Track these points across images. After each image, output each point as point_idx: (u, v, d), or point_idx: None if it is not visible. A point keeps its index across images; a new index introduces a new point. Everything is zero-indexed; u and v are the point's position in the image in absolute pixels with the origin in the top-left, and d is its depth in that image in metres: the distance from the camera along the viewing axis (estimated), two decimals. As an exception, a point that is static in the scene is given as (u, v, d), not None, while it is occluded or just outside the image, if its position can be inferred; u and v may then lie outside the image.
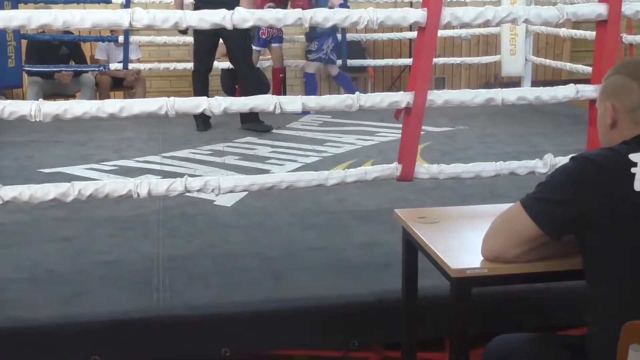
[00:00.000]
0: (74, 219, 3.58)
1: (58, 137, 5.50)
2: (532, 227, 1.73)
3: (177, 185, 2.87)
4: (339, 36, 6.72)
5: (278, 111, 2.93)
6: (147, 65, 6.82)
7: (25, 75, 6.59)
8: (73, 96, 6.95)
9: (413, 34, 6.36)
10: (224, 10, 2.81)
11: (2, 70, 5.86)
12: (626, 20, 5.62)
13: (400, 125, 3.15)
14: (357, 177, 3.08)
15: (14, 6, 5.73)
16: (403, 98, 3.02)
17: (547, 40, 8.62)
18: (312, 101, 3.08)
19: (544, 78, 8.53)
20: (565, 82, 3.33)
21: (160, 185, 2.87)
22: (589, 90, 3.20)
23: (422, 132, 3.23)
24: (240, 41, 5.58)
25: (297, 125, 6.01)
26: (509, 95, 3.15)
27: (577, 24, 7.24)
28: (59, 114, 2.75)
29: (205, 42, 5.66)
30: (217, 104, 2.89)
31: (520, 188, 1.97)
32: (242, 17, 2.82)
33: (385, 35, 7.17)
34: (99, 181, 2.92)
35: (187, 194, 2.99)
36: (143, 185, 2.84)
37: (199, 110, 2.89)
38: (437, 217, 2.17)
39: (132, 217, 3.61)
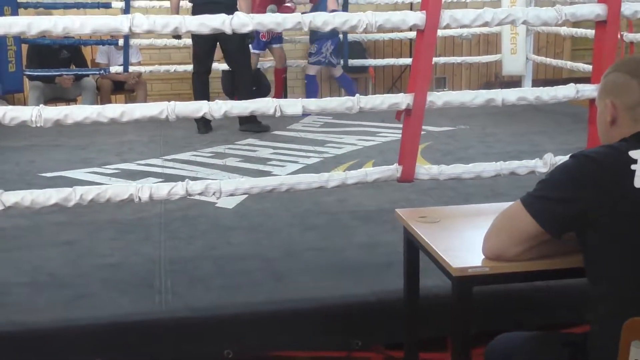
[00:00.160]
0: (75, 222, 3.58)
1: (59, 141, 5.51)
2: (533, 225, 1.73)
3: (179, 189, 2.88)
4: (341, 37, 6.72)
5: (278, 114, 2.94)
6: (148, 68, 6.83)
7: (26, 80, 6.60)
8: (74, 100, 6.97)
9: (414, 34, 6.35)
10: (223, 15, 2.81)
11: (3, 75, 5.87)
12: (626, 19, 5.62)
13: (402, 125, 3.15)
14: (358, 178, 3.08)
15: (14, 11, 5.74)
16: (403, 100, 3.02)
17: (547, 39, 8.61)
18: (313, 104, 3.08)
19: (545, 77, 8.53)
20: (566, 81, 3.34)
21: (161, 189, 2.88)
22: (588, 90, 3.20)
23: (423, 132, 3.24)
24: (238, 43, 5.58)
25: (298, 126, 6.02)
26: (509, 95, 3.15)
27: (577, 23, 7.24)
28: (60, 119, 2.75)
29: (204, 44, 5.67)
30: (218, 107, 2.89)
31: (521, 187, 1.96)
32: (242, 21, 2.82)
33: (387, 36, 7.17)
34: (101, 186, 2.93)
35: (189, 197, 2.99)
36: (144, 190, 2.84)
37: (200, 115, 2.90)
38: (438, 216, 2.17)
39: (134, 220, 3.62)
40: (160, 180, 3.97)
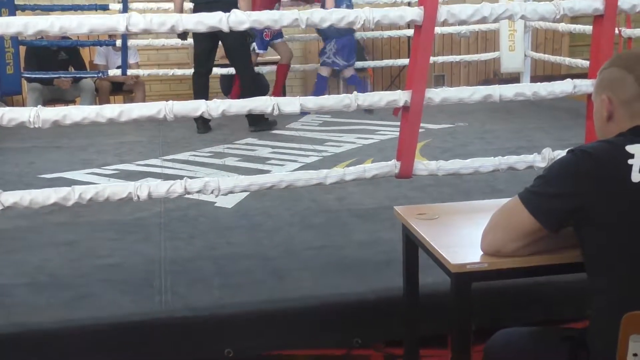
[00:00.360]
0: (75, 223, 3.58)
1: (59, 143, 5.51)
2: (531, 221, 1.73)
3: (177, 187, 2.88)
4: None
5: (276, 112, 2.94)
6: (147, 71, 6.83)
7: (24, 82, 6.60)
8: (73, 102, 6.96)
9: (412, 32, 6.33)
10: (220, 13, 2.81)
11: (1, 78, 5.87)
12: (625, 13, 5.61)
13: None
14: (356, 175, 3.08)
15: (12, 13, 5.74)
16: (401, 97, 3.03)
17: (545, 36, 8.62)
18: (310, 102, 3.08)
19: (543, 73, 8.54)
20: (564, 77, 3.34)
21: (160, 188, 2.88)
22: (586, 85, 3.21)
23: (421, 130, 3.24)
24: (238, 40, 5.58)
25: (297, 125, 6.01)
26: (507, 91, 3.16)
27: (575, 19, 7.24)
28: (58, 120, 2.76)
29: (205, 44, 5.67)
30: (216, 106, 2.89)
31: (520, 183, 1.97)
32: (239, 19, 2.83)
33: (385, 33, 7.16)
34: (99, 185, 2.93)
35: (188, 195, 2.99)
36: (143, 188, 2.85)
37: (198, 114, 2.90)
38: (437, 213, 2.18)
39: (133, 220, 3.62)
40: (160, 180, 3.96)
